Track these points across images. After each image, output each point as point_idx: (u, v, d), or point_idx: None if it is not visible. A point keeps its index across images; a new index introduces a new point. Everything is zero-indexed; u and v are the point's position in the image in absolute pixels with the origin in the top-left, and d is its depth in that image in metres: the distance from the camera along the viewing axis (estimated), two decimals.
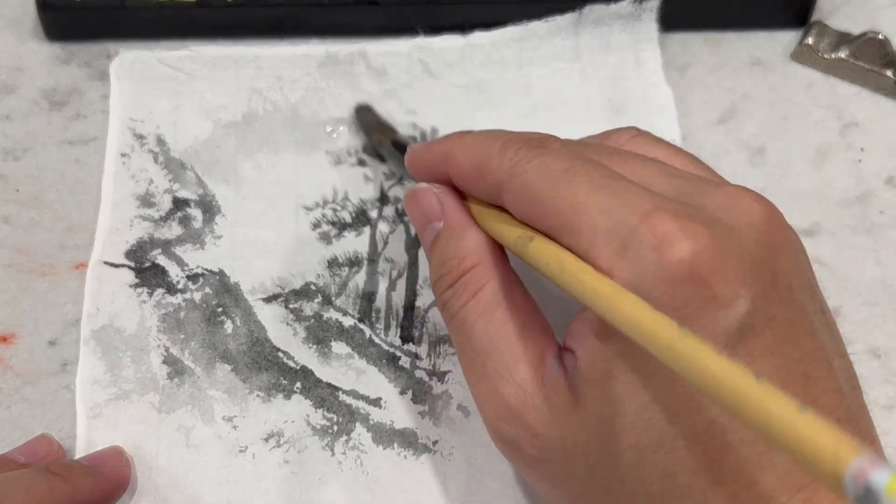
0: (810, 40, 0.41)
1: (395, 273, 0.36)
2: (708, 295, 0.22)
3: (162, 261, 0.36)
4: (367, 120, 0.38)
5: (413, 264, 0.36)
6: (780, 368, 0.23)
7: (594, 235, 0.23)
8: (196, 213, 0.37)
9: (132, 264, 0.36)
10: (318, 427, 0.33)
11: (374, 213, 0.37)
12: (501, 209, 0.27)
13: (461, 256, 0.28)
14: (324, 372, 0.34)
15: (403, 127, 0.39)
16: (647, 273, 0.22)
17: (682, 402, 0.23)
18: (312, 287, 0.35)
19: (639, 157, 0.26)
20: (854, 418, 0.24)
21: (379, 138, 0.37)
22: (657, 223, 0.22)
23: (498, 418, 0.26)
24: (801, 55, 0.41)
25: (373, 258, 0.36)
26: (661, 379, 0.23)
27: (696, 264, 0.22)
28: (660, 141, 0.28)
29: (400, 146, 0.35)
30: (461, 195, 0.29)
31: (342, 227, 0.37)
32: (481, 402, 0.27)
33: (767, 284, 0.23)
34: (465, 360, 0.27)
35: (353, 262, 0.36)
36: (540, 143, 0.26)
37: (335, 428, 0.33)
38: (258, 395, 0.33)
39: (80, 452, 0.32)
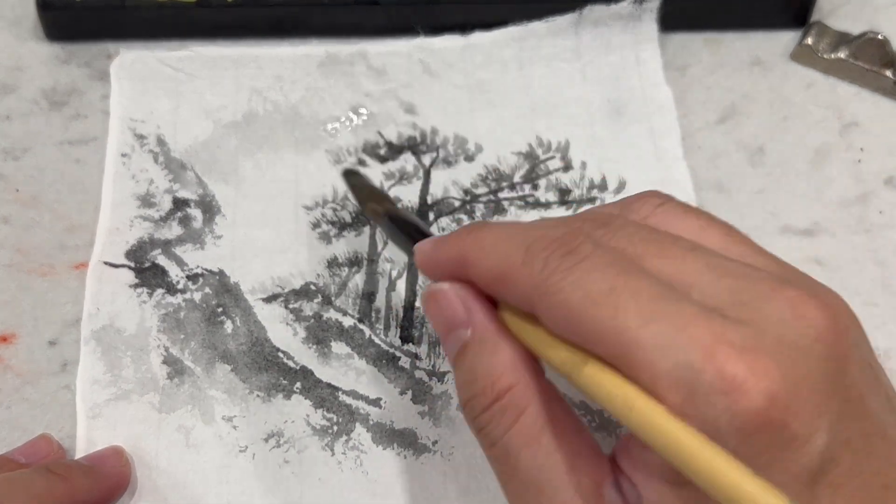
0: (810, 40, 0.41)
1: (395, 273, 0.36)
2: (786, 437, 0.21)
3: (162, 261, 0.36)
4: (358, 187, 0.35)
5: (413, 264, 0.36)
6: (860, 489, 0.21)
7: (655, 375, 0.21)
8: (196, 213, 0.37)
9: (132, 264, 0.36)
10: (318, 427, 0.33)
11: None
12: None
13: (495, 375, 0.25)
14: (324, 372, 0.34)
15: (404, 127, 0.39)
16: (720, 421, 0.20)
17: None
18: (312, 287, 0.35)
19: (677, 243, 0.24)
20: None
21: (374, 208, 0.33)
22: (723, 364, 0.20)
23: None
24: (801, 55, 0.41)
25: (373, 258, 0.36)
26: None
27: (771, 410, 0.20)
28: (689, 209, 0.26)
29: (398, 220, 0.31)
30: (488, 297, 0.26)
31: (342, 226, 0.37)
32: None
33: (842, 402, 0.21)
34: (512, 492, 0.25)
35: (353, 262, 0.36)
36: (569, 249, 0.23)
37: (335, 428, 0.33)
38: (258, 395, 0.33)
39: (80, 452, 0.32)
